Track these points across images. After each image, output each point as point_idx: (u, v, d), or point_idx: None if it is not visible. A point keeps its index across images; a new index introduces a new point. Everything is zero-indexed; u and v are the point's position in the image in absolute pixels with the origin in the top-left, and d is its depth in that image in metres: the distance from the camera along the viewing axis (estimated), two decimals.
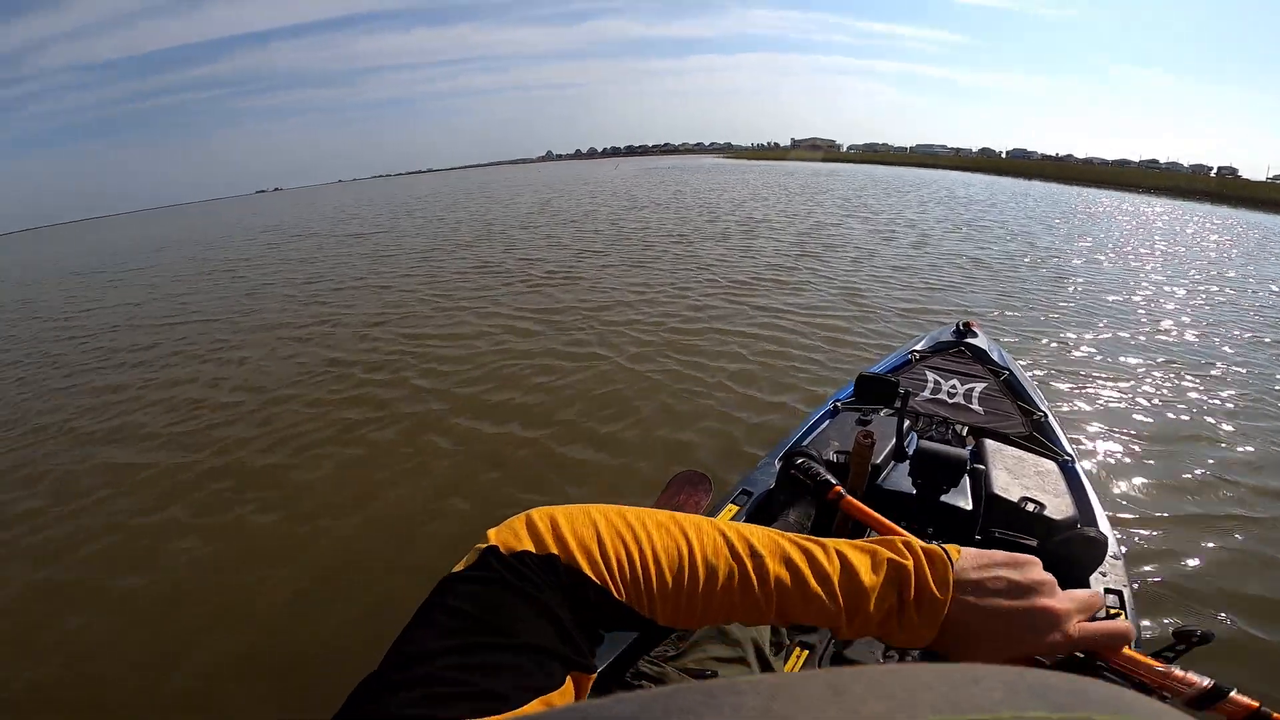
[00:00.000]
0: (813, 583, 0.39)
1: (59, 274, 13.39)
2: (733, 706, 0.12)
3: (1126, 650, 0.44)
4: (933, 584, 0.40)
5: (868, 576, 0.40)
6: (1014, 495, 1.43)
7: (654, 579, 0.38)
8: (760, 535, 0.41)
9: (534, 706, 0.29)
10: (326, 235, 14.41)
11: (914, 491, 1.50)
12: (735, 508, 1.67)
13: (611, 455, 2.94)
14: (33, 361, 5.60)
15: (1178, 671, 0.44)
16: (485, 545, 0.36)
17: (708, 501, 1.70)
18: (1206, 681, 0.42)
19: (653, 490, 2.52)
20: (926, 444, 1.44)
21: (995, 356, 2.41)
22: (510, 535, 0.37)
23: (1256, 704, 0.41)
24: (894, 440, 1.67)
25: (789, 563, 0.40)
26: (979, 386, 2.16)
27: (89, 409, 4.11)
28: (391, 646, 0.31)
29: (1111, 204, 16.91)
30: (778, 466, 1.79)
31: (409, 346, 4.72)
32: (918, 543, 0.44)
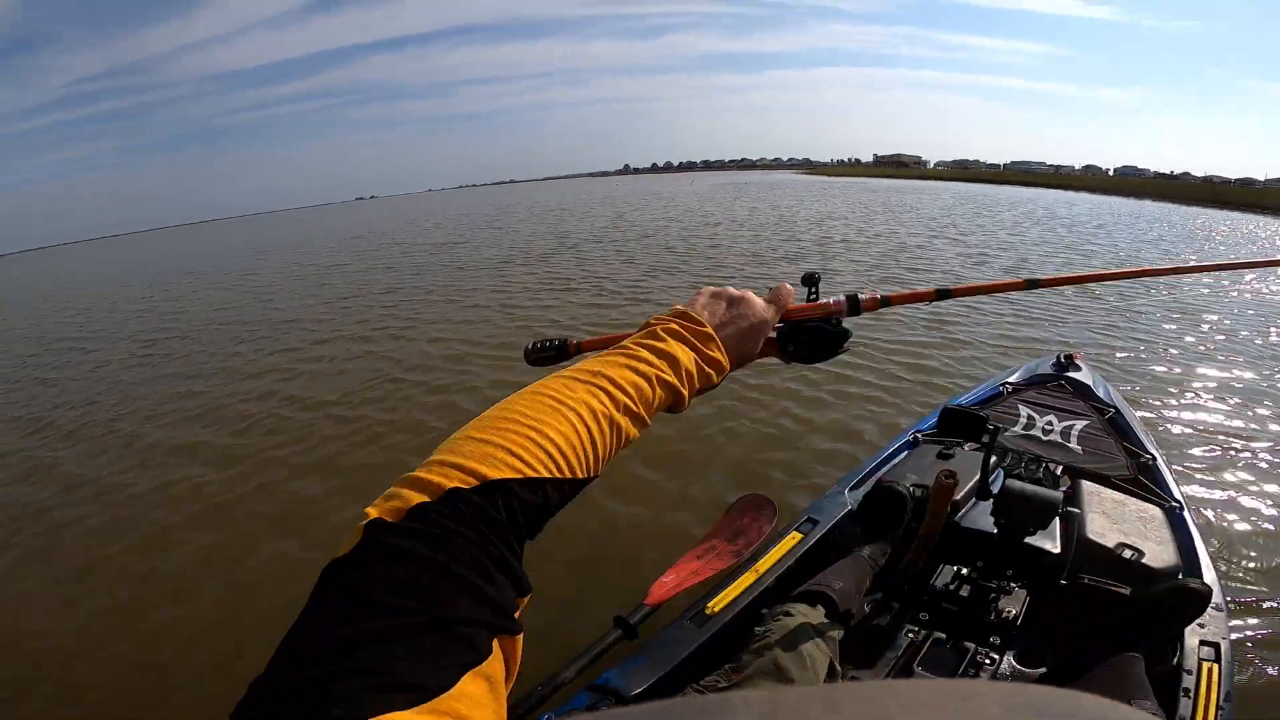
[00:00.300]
0: (668, 378, 0.47)
1: (175, 272, 15.17)
2: None
3: (791, 305, 0.61)
4: (704, 339, 0.51)
5: (683, 355, 0.49)
6: (1110, 541, 1.37)
7: (561, 443, 0.38)
8: (607, 366, 0.45)
9: (466, 682, 0.25)
10: (411, 243, 15.34)
11: (994, 531, 1.42)
12: (799, 535, 1.63)
13: (670, 476, 2.92)
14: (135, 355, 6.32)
15: (827, 301, 0.63)
16: (366, 521, 0.31)
17: (771, 527, 1.66)
18: (843, 296, 0.63)
19: (714, 511, 2.48)
20: (1014, 483, 1.36)
21: (1100, 393, 2.25)
22: (397, 500, 0.32)
23: (879, 295, 0.64)
24: (977, 477, 1.54)
25: (642, 374, 0.46)
26: (1079, 424, 2.03)
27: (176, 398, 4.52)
28: (281, 645, 0.26)
29: (1236, 227, 15.26)
30: (848, 497, 1.78)
31: (456, 367, 4.72)
32: (669, 319, 0.52)
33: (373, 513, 0.32)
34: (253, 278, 11.88)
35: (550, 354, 0.67)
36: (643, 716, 0.12)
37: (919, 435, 2.08)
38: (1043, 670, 1.28)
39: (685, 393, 0.48)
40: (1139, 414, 2.44)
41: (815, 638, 1.17)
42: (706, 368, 0.51)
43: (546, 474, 0.37)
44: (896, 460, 1.97)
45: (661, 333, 0.50)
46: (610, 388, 0.43)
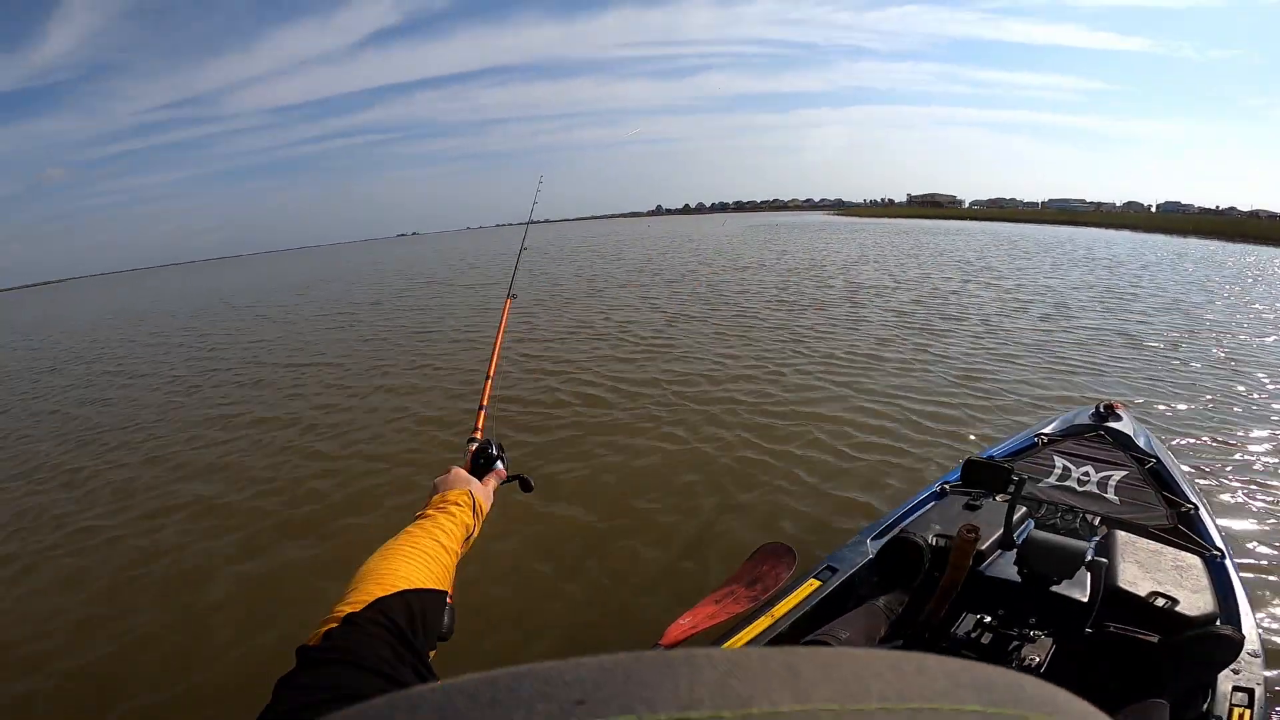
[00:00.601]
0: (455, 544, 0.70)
1: (220, 304, 16.30)
2: (689, 678, 0.12)
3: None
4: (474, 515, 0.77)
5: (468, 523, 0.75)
6: (1142, 589, 1.38)
7: (413, 568, 0.60)
8: (430, 539, 0.67)
9: None
10: (446, 283, 15.88)
11: (1019, 581, 1.45)
12: (817, 583, 1.67)
13: (689, 521, 2.96)
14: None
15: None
16: (297, 648, 0.47)
17: (789, 575, 1.69)
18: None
19: (733, 559, 2.51)
20: (1039, 534, 1.42)
21: (1142, 443, 2.23)
22: (316, 631, 0.49)
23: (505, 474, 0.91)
24: (1002, 528, 1.60)
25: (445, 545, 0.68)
26: (1118, 475, 2.02)
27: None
28: None
29: None
30: (869, 546, 1.81)
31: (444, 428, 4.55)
32: (451, 501, 0.75)
33: (310, 640, 0.48)
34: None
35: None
36: (608, 666, 0.13)
37: (946, 487, 2.10)
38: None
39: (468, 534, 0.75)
40: (1183, 465, 2.39)
41: None
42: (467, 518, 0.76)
43: (407, 587, 0.56)
44: (922, 511, 1.98)
45: (448, 508, 0.75)
46: (439, 537, 0.68)
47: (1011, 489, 1.50)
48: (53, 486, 4.23)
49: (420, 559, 0.61)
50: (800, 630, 1.51)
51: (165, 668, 2.25)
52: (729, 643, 1.44)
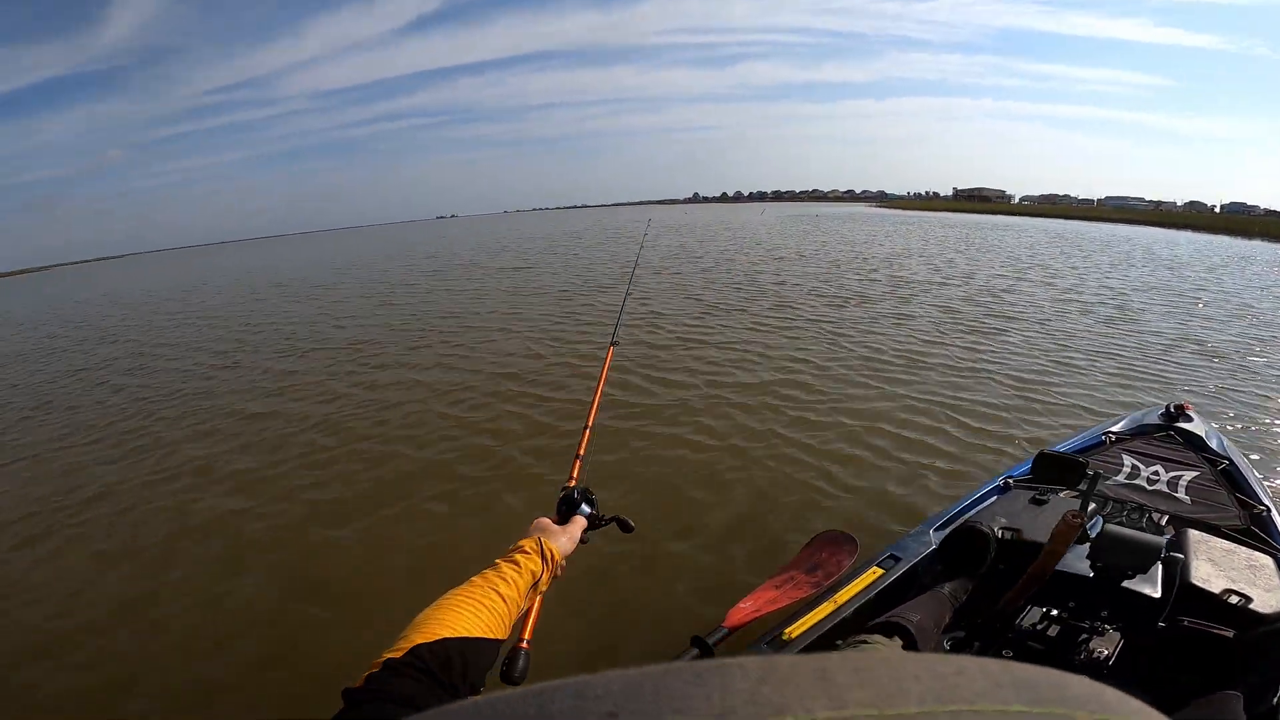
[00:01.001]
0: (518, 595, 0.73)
1: (266, 285, 16.42)
2: (721, 688, 0.12)
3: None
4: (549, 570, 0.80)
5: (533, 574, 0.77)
6: (1215, 587, 1.38)
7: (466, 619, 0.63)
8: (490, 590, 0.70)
9: None
10: (481, 266, 15.99)
11: (1090, 575, 1.45)
12: (880, 571, 1.68)
13: (748, 507, 2.93)
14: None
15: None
16: (343, 690, 0.52)
17: (850, 563, 1.68)
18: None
19: (781, 548, 2.49)
20: (1113, 528, 1.39)
21: (1214, 444, 2.19)
22: (363, 674, 0.53)
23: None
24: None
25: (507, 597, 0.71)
26: (1188, 475, 1.99)
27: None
28: None
29: None
30: (932, 536, 1.81)
31: (501, 406, 4.55)
32: (519, 549, 0.79)
33: (355, 683, 0.53)
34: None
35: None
36: (637, 679, 0.13)
37: (1010, 480, 2.08)
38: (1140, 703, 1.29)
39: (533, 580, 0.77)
40: (1257, 471, 2.30)
41: None
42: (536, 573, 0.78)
43: (449, 635, 0.59)
44: (985, 504, 1.97)
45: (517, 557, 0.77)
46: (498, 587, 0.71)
47: (1085, 484, 1.48)
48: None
49: (471, 609, 0.65)
50: (864, 617, 1.51)
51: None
52: (792, 628, 1.45)
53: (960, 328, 6.52)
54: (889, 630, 1.33)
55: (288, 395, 5.38)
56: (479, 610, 0.65)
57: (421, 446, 3.93)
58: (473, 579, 0.72)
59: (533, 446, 3.79)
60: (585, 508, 0.92)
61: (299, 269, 21.36)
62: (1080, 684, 0.13)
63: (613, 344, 1.68)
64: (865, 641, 1.28)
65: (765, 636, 1.42)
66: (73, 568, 2.91)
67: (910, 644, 1.29)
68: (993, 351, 5.55)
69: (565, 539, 0.85)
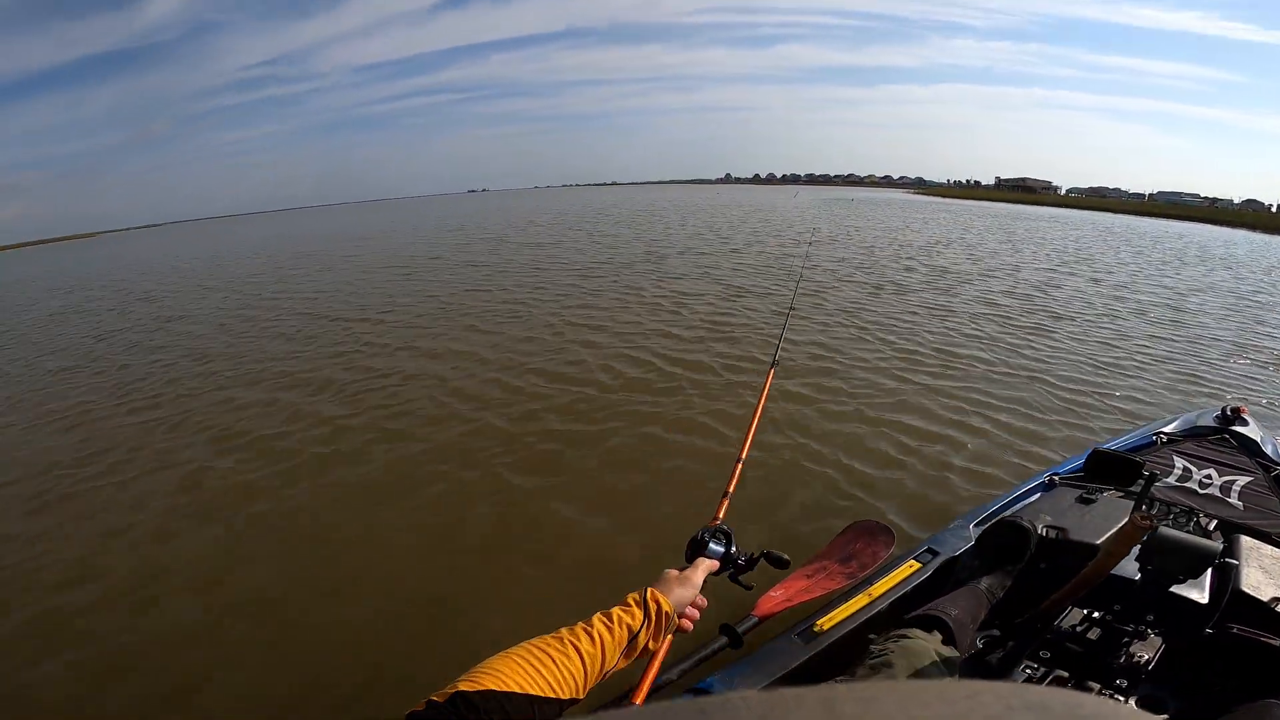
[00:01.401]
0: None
1: (294, 255, 16.76)
2: None
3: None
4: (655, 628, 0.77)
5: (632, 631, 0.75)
6: (1265, 594, 1.35)
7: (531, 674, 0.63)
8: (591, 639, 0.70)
9: None
10: (507, 241, 15.95)
11: (1137, 578, 1.41)
12: (917, 564, 1.63)
13: (774, 494, 2.86)
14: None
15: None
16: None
17: (886, 554, 1.62)
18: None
19: (811, 539, 2.43)
20: (1167, 531, 1.33)
21: (1269, 450, 2.11)
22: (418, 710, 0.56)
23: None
24: (1122, 523, 1.51)
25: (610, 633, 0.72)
26: (1242, 480, 1.92)
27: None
28: None
29: None
30: (971, 531, 1.76)
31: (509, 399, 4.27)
32: (622, 603, 0.76)
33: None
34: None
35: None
36: (645, 717, 0.12)
37: (1056, 478, 2.01)
38: (1164, 717, 1.23)
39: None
40: None
41: (939, 664, 1.16)
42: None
43: (496, 688, 0.59)
44: (1028, 501, 1.91)
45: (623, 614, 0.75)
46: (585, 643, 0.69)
47: (1139, 484, 1.44)
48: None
49: (532, 663, 0.64)
50: (898, 611, 1.46)
51: None
52: (824, 619, 1.40)
53: (1004, 323, 6.22)
54: (928, 624, 1.29)
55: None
56: (541, 666, 0.63)
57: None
58: (560, 630, 0.70)
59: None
60: (715, 547, 0.84)
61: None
62: (1096, 704, 0.13)
63: (773, 366, 1.65)
64: (904, 635, 1.23)
65: (796, 628, 1.38)
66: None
67: (949, 638, 1.26)
68: (1036, 351, 5.29)
69: (681, 588, 0.80)
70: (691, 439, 3.51)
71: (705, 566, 0.83)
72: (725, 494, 1.08)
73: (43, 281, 17.18)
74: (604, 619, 0.73)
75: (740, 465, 1.20)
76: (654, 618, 0.75)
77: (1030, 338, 5.70)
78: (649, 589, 0.77)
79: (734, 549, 0.86)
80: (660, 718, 0.12)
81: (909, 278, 8.90)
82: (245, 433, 3.95)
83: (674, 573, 0.83)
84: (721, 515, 1.00)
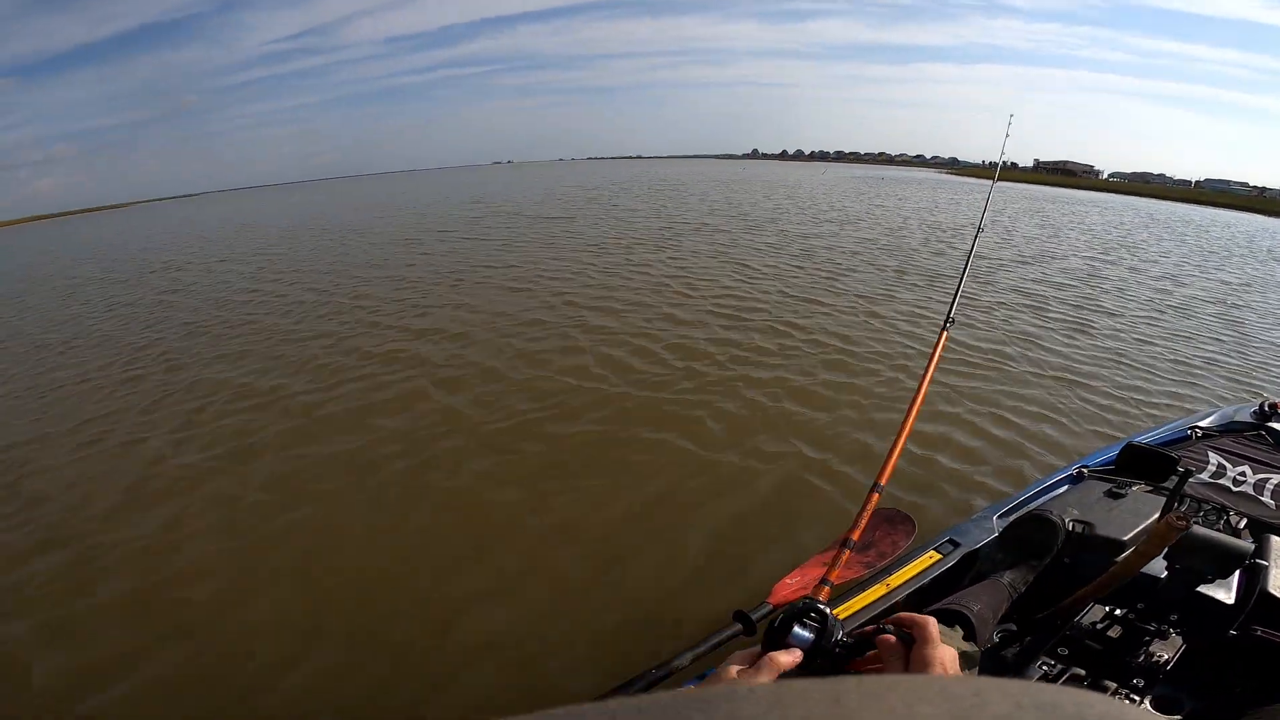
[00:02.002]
0: None
1: (320, 230, 16.48)
2: (729, 714, 0.12)
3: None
4: None
5: None
6: None
7: None
8: None
9: None
10: (522, 215, 15.65)
11: (1163, 575, 1.35)
12: (938, 555, 1.58)
13: (796, 480, 2.81)
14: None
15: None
16: None
17: (907, 544, 1.58)
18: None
19: (834, 522, 2.40)
20: (1202, 530, 1.28)
21: None
22: None
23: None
24: (1151, 519, 1.53)
25: None
26: (1276, 479, 1.84)
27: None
28: None
29: None
30: (995, 523, 1.70)
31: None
32: None
33: None
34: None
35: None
36: (643, 706, 0.12)
37: (1085, 470, 1.95)
38: (1177, 718, 1.21)
39: None
40: None
41: (960, 662, 1.13)
42: None
43: None
44: (1056, 494, 1.86)
45: None
46: None
47: (1174, 480, 1.40)
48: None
49: None
50: (916, 603, 1.43)
51: None
52: (840, 609, 1.37)
53: (1041, 316, 5.92)
54: (949, 618, 1.24)
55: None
56: None
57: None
58: None
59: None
60: (801, 633, 0.63)
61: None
62: (1105, 704, 0.13)
63: (947, 325, 1.58)
64: None
65: None
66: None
67: (970, 633, 1.22)
68: (1067, 348, 5.03)
69: None
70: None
71: (783, 663, 0.61)
72: (844, 547, 0.90)
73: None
74: None
75: (875, 497, 1.11)
76: None
77: (1074, 335, 5.47)
78: None
79: (833, 632, 0.64)
80: (668, 706, 0.12)
81: (941, 263, 8.64)
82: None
83: (735, 669, 0.62)
84: (833, 576, 0.85)
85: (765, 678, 0.60)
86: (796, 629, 0.63)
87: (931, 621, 0.59)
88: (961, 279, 1.90)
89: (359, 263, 9.15)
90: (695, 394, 3.78)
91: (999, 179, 2.99)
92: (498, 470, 2.97)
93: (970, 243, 2.28)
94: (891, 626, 0.63)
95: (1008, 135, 2.77)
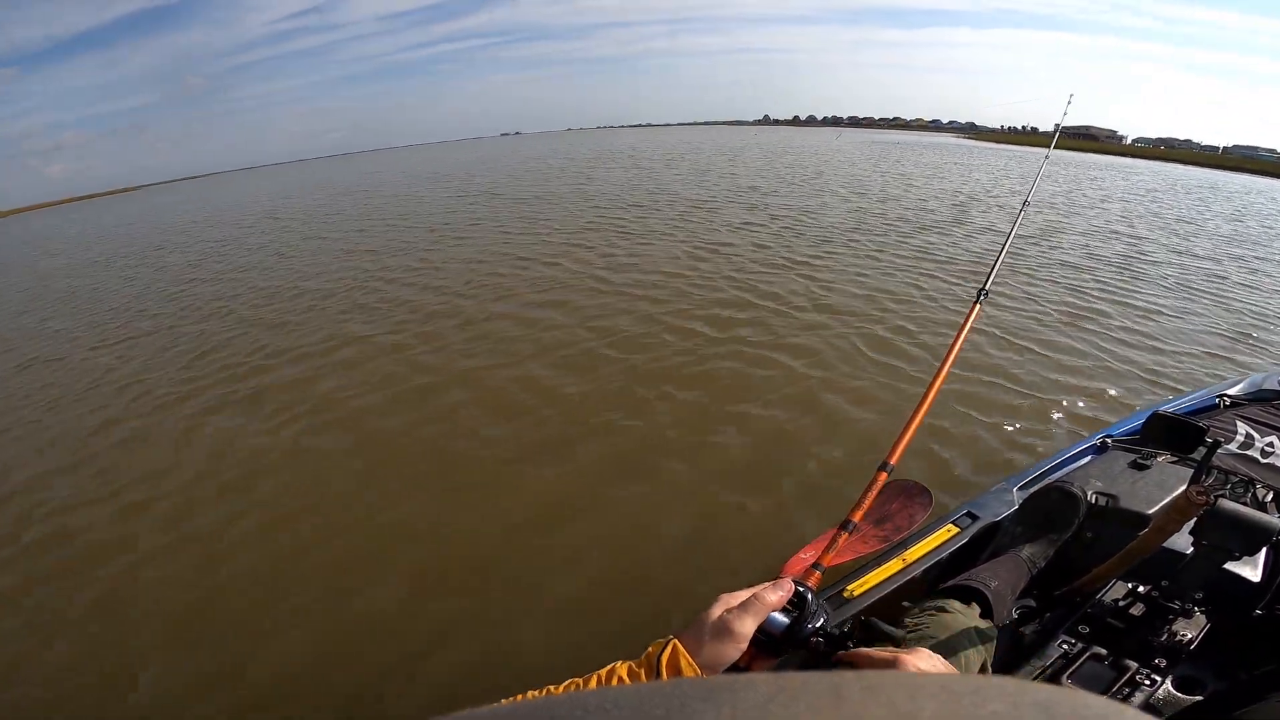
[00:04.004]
0: None
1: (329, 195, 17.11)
2: (731, 704, 0.12)
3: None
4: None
5: None
6: None
7: None
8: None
9: None
10: (498, 200, 15.56)
11: (1189, 552, 1.30)
12: (955, 529, 1.52)
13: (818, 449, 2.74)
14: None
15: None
16: None
17: (924, 517, 1.53)
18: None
19: (842, 485, 2.35)
20: (1226, 504, 1.22)
21: None
22: None
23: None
24: (1178, 492, 1.49)
25: None
26: None
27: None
28: None
29: None
30: (1015, 495, 1.64)
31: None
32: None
33: None
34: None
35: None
36: (647, 694, 0.12)
37: (1109, 440, 1.88)
38: (1198, 698, 1.17)
39: None
40: None
41: (976, 641, 1.09)
42: None
43: None
44: (1078, 464, 1.80)
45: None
46: None
47: (1202, 451, 1.34)
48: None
49: None
50: (934, 578, 1.39)
51: None
52: (854, 585, 1.33)
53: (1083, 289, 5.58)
54: (965, 595, 1.22)
55: None
56: None
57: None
58: (550, 689, 0.57)
59: None
60: (778, 618, 0.62)
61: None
62: (1103, 706, 0.13)
63: (980, 298, 1.53)
64: (944, 608, 1.15)
65: (824, 592, 1.31)
66: None
67: (987, 610, 1.19)
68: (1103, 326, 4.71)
69: (720, 641, 0.59)
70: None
71: (765, 605, 0.62)
72: (829, 545, 0.91)
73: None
74: (601, 683, 0.59)
75: (885, 477, 1.10)
76: None
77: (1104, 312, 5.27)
78: (673, 643, 0.59)
79: (813, 618, 0.62)
80: (669, 694, 0.12)
81: (959, 260, 8.37)
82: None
83: (718, 614, 0.61)
84: (826, 561, 0.84)
85: (749, 625, 0.60)
86: (773, 615, 0.61)
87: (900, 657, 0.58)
88: (1003, 249, 1.80)
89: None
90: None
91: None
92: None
93: (1021, 201, 2.19)
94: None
95: (1065, 114, 2.81)
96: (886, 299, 4.93)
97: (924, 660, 0.58)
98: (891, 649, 0.57)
